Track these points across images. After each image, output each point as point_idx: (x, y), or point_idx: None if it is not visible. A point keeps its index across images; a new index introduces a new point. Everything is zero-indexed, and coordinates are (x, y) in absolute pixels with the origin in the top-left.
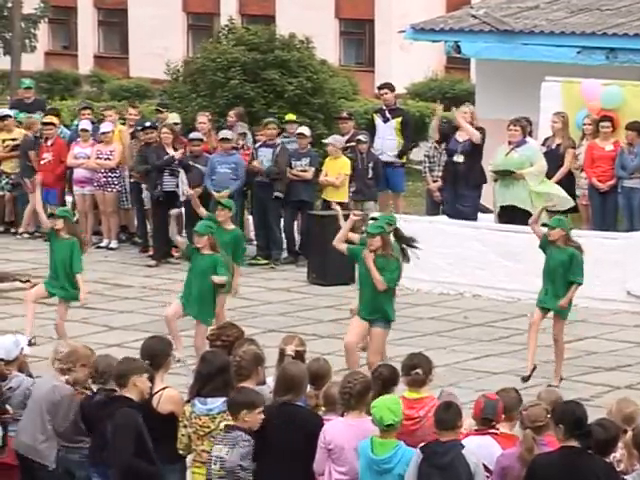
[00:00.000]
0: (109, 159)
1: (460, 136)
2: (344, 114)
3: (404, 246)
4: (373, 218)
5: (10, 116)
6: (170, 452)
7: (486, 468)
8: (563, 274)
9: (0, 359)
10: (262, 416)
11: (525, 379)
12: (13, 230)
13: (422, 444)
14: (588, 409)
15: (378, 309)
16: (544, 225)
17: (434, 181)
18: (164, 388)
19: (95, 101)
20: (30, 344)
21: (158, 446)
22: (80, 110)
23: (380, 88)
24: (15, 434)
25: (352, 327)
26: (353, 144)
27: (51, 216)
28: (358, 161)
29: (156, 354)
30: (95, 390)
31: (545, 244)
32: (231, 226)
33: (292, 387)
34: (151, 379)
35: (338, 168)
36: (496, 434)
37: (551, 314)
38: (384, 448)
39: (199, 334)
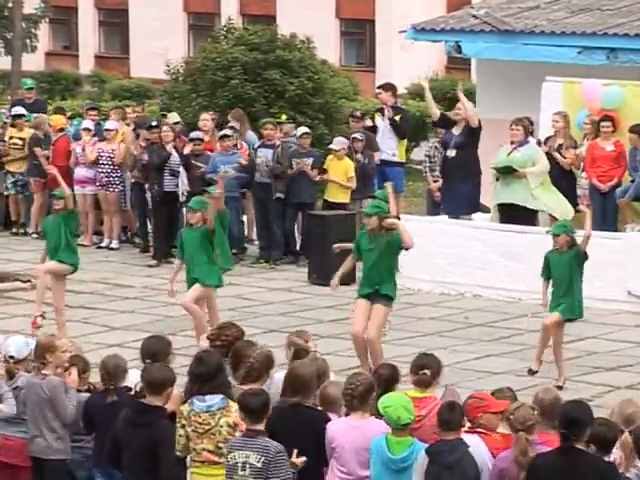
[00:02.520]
0: (110, 157)
1: (456, 130)
2: (357, 113)
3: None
4: (372, 196)
5: (24, 115)
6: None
7: None
8: (570, 276)
9: (10, 356)
10: None
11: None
12: (14, 230)
13: (427, 446)
14: None
15: (380, 285)
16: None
17: (435, 181)
18: None
19: (96, 101)
20: (42, 317)
21: None
22: (87, 110)
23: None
24: (29, 441)
25: (356, 315)
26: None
27: (52, 197)
28: (354, 159)
29: (156, 353)
30: (101, 389)
31: (547, 258)
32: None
33: (301, 388)
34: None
35: (342, 169)
36: (485, 433)
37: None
38: (401, 447)
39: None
